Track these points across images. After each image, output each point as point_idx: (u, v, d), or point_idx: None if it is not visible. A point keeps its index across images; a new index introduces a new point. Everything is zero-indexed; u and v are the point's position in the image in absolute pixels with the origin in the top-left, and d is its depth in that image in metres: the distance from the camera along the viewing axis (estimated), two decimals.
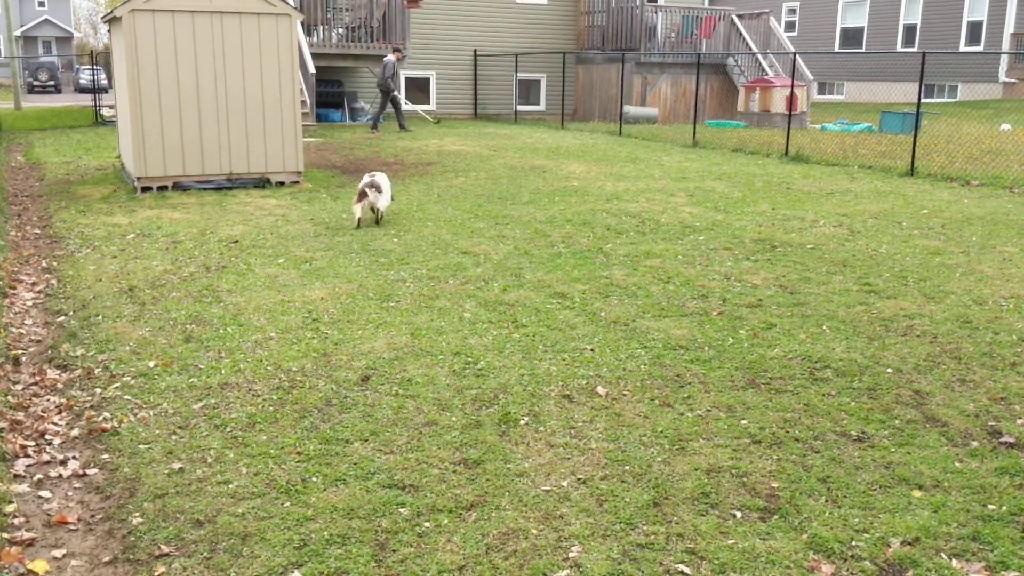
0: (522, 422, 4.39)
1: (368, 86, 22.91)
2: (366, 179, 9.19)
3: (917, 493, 3.73)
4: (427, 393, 4.73)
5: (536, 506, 3.60)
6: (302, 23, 18.30)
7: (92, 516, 3.57)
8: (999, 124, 19.81)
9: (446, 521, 3.49)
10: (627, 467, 3.93)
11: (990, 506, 3.62)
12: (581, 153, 15.46)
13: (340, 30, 20.47)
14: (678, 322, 5.95)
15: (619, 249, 8.04)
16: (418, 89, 24.31)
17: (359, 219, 8.97)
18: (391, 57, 19.09)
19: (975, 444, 4.20)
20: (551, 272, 7.22)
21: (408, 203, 10.33)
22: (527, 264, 7.47)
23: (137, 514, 3.54)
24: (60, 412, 4.55)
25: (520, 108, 24.36)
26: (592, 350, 5.41)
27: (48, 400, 4.71)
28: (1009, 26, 27.35)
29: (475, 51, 24.00)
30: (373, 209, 9.10)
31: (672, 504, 3.63)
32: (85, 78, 44.24)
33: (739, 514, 3.56)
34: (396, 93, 19.33)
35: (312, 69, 17.56)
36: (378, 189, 9.02)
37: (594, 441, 4.19)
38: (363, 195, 8.96)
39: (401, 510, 3.56)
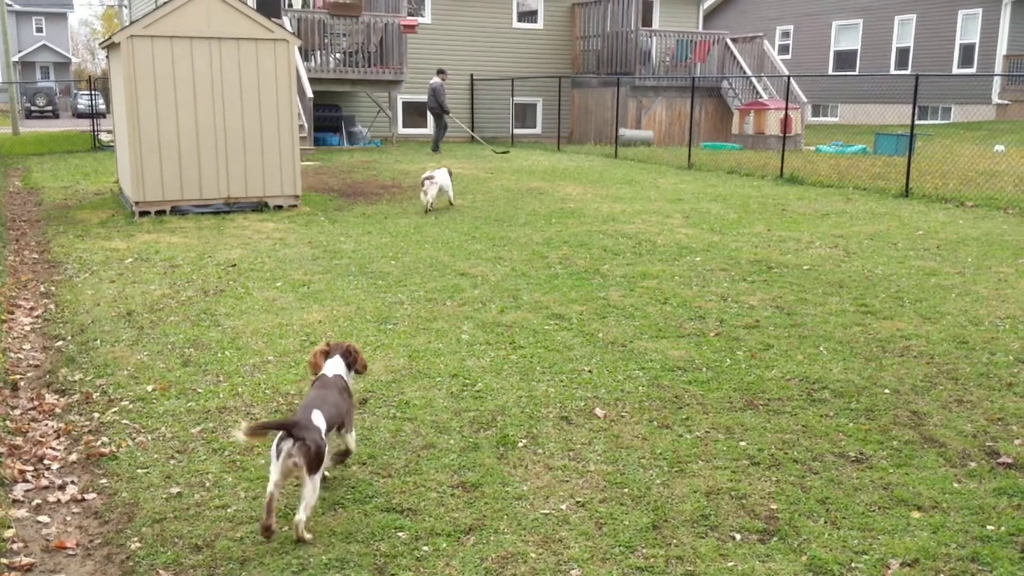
0: (520, 444, 4.39)
1: (365, 110, 23.02)
2: (426, 174, 11.45)
3: (916, 514, 3.73)
4: (425, 416, 4.73)
5: (535, 529, 3.60)
6: (300, 48, 18.42)
7: (91, 541, 3.57)
8: (993, 145, 19.92)
9: (444, 545, 3.48)
10: (626, 489, 3.93)
11: (989, 527, 3.62)
12: (577, 175, 15.52)
13: (337, 55, 20.58)
14: (676, 343, 5.96)
15: (616, 270, 8.07)
16: (416, 113, 24.42)
17: (425, 202, 11.23)
18: (437, 80, 19.91)
19: (973, 465, 4.20)
20: (548, 293, 7.23)
21: (406, 225, 10.36)
22: (524, 285, 7.49)
23: (136, 539, 3.53)
24: (58, 437, 4.55)
25: (517, 131, 24.46)
26: (590, 371, 5.42)
27: (46, 425, 4.70)
28: (1001, 48, 27.58)
29: (471, 75, 24.14)
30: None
31: (671, 527, 3.63)
32: (83, 103, 44.36)
33: (738, 536, 3.56)
34: (447, 115, 20.21)
35: (310, 94, 17.65)
36: (431, 180, 11.20)
37: (593, 463, 4.19)
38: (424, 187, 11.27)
39: (399, 534, 3.55)
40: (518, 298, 7.10)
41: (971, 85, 27.87)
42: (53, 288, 7.59)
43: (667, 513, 3.73)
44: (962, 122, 27.59)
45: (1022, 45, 27.87)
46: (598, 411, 4.81)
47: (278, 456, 3.43)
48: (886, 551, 3.45)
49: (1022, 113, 26.73)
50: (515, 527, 3.61)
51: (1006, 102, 27.60)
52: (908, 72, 28.67)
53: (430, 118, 21.07)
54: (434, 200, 11.29)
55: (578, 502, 3.82)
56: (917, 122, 14.66)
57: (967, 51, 28.53)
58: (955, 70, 28.57)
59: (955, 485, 3.99)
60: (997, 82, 27.49)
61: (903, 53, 30.52)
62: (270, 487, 3.44)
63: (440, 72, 20.26)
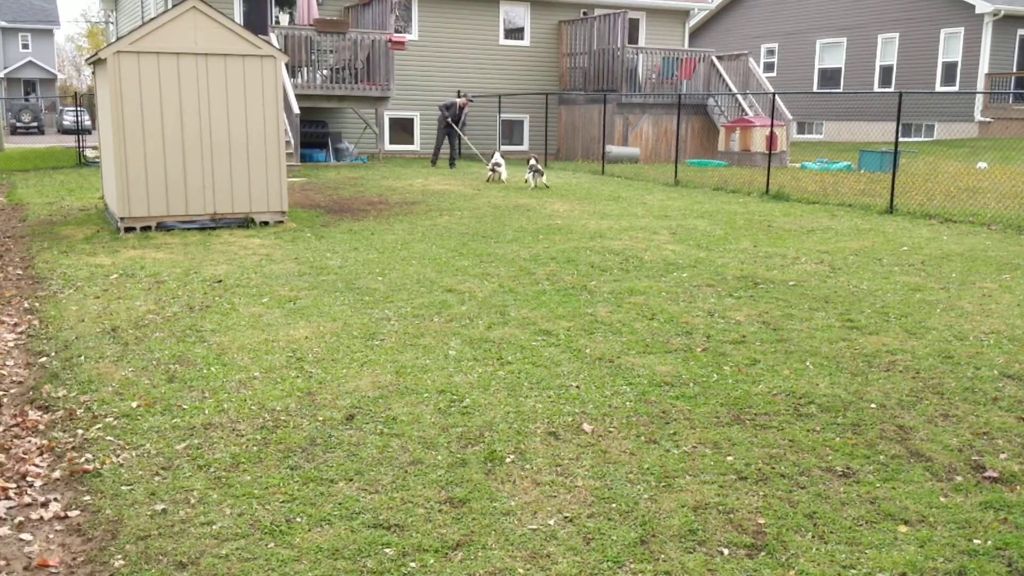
0: (508, 460, 4.38)
1: (352, 127, 23.04)
2: (494, 160, 17.09)
3: (903, 528, 3.74)
4: (412, 431, 4.71)
5: (523, 545, 3.59)
6: (287, 65, 18.43)
7: (74, 559, 3.53)
8: (976, 162, 20.10)
9: (432, 561, 3.47)
10: (614, 505, 3.92)
11: (975, 541, 3.63)
12: (565, 192, 15.56)
13: (324, 72, 20.60)
14: (663, 358, 5.97)
15: (603, 286, 8.08)
16: (402, 130, 24.47)
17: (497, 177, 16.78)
18: (460, 100, 21.07)
19: (959, 479, 4.22)
20: (536, 309, 7.23)
21: (393, 242, 10.36)
22: (512, 302, 7.49)
23: (119, 556, 3.50)
24: (42, 453, 4.51)
25: (504, 148, 24.52)
26: (577, 387, 5.42)
27: (30, 441, 4.66)
28: (983, 66, 27.87)
29: (458, 92, 24.20)
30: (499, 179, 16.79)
31: (659, 542, 3.62)
32: (68, 119, 44.25)
33: (726, 551, 3.56)
34: (453, 130, 20.97)
35: (296, 110, 17.66)
36: (499, 165, 16.94)
37: (580, 479, 4.18)
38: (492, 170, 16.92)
39: (386, 550, 3.53)
40: (506, 314, 7.10)
41: (954, 103, 28.14)
42: (37, 304, 7.54)
43: (655, 528, 3.72)
44: (945, 139, 27.84)
45: (1004, 63, 28.18)
46: (586, 426, 4.80)
47: (530, 171, 15.60)
48: (873, 566, 3.45)
49: (1004, 131, 27.00)
50: (503, 543, 3.60)
51: (988, 120, 27.87)
52: (891, 90, 28.94)
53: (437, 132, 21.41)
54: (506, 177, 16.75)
55: (566, 517, 3.81)
56: (901, 139, 14.78)
57: (950, 69, 28.82)
58: (938, 88, 28.85)
59: (941, 499, 4.00)
60: (979, 100, 27.76)
61: (886, 71, 30.80)
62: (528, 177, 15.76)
63: (463, 95, 21.39)
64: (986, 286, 8.19)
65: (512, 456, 4.42)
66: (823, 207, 13.84)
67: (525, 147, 25.54)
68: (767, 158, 16.78)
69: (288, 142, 16.58)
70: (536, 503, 3.94)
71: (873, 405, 5.15)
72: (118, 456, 4.42)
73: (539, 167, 16.01)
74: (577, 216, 12.54)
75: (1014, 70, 28.43)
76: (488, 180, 16.82)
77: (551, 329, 6.66)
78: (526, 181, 16.08)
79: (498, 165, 16.89)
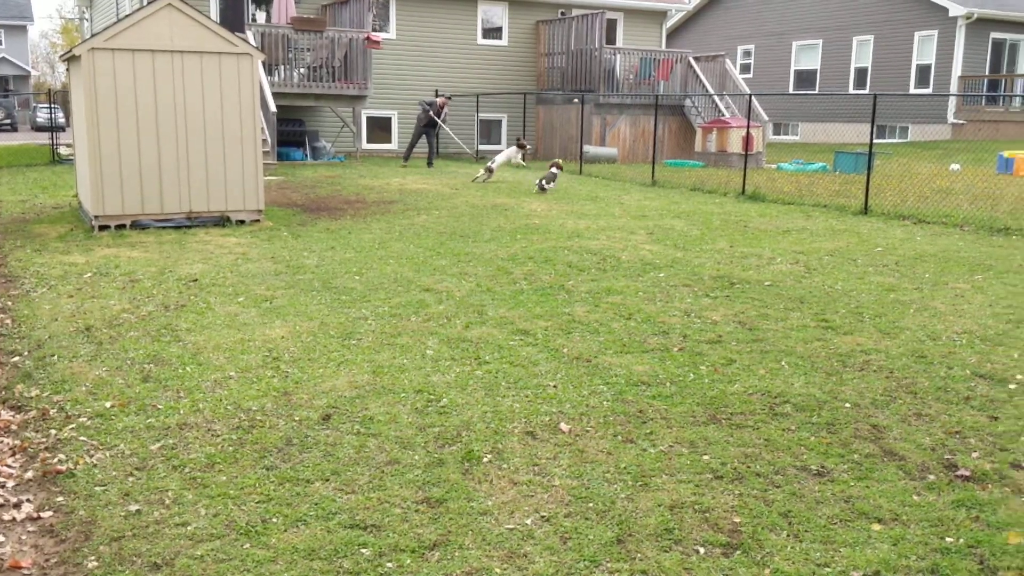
0: (485, 460, 4.38)
1: (330, 125, 22.94)
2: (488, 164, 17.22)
3: (876, 526, 3.78)
4: (389, 431, 4.70)
5: (500, 545, 3.59)
6: (263, 63, 18.34)
7: (47, 560, 3.50)
8: (949, 164, 20.31)
9: (408, 561, 3.46)
10: (591, 504, 3.93)
11: (948, 539, 3.67)
12: (542, 192, 15.56)
13: (301, 70, 20.51)
14: (640, 358, 5.99)
15: (581, 286, 8.10)
16: (380, 129, 24.39)
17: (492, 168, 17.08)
18: (439, 99, 21.38)
19: (932, 477, 4.26)
20: (513, 309, 7.24)
21: (370, 241, 10.33)
22: (489, 301, 7.49)
23: (93, 558, 3.47)
24: (14, 454, 4.46)
25: (481, 147, 24.50)
26: (555, 386, 5.42)
27: (2, 442, 4.61)
28: (956, 69, 28.17)
29: (436, 91, 24.18)
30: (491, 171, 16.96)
31: (636, 541, 3.64)
32: (42, 116, 43.73)
33: (702, 550, 3.58)
34: (431, 129, 21.16)
35: (273, 108, 17.55)
36: (493, 164, 17.21)
37: (557, 478, 4.19)
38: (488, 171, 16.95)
39: (363, 550, 3.52)
40: (483, 314, 7.10)
41: (927, 105, 28.43)
42: (10, 303, 7.45)
43: (631, 527, 3.73)
44: (919, 141, 28.11)
45: (976, 66, 28.51)
46: (563, 426, 4.81)
47: (542, 180, 15.18)
48: (848, 564, 3.48)
49: (977, 133, 27.31)
50: (480, 542, 3.60)
51: (961, 122, 28.17)
52: (866, 92, 29.19)
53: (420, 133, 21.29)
54: (496, 170, 17.16)
55: (543, 517, 3.82)
56: (875, 141, 14.92)
57: (923, 72, 29.10)
58: (912, 90, 29.14)
59: (915, 498, 4.04)
60: (952, 102, 28.05)
61: (861, 73, 31.06)
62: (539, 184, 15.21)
63: (446, 97, 21.76)
64: (959, 286, 8.28)
65: (489, 456, 4.42)
66: (798, 208, 13.94)
67: (503, 147, 25.52)
68: (743, 159, 16.88)
69: (265, 140, 16.49)
70: (513, 503, 3.94)
71: (847, 404, 5.19)
72: (92, 456, 4.38)
73: (553, 173, 15.72)
74: (555, 216, 12.55)
75: (986, 73, 28.77)
76: (484, 180, 16.76)
77: (529, 329, 6.67)
78: (539, 189, 15.37)
79: (490, 171, 16.90)
